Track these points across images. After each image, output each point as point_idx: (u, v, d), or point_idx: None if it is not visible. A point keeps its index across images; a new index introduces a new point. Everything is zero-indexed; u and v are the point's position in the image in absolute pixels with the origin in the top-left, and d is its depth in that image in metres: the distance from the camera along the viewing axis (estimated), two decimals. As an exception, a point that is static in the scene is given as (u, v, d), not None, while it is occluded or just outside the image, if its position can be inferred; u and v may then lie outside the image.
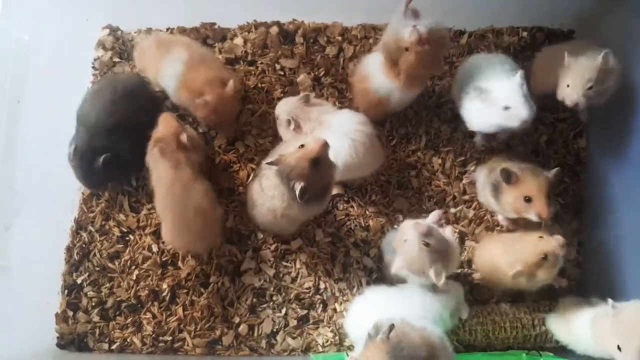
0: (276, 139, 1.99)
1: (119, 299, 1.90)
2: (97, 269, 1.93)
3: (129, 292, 1.90)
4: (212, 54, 2.05)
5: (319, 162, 1.46)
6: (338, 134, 1.68)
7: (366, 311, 1.67)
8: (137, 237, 1.94)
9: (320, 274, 1.88)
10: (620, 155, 1.79)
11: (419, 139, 2.00)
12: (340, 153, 1.68)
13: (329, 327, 1.84)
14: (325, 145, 1.46)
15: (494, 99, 1.68)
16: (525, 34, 2.10)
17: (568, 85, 1.67)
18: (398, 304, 1.63)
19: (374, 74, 1.80)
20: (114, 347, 1.87)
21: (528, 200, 1.63)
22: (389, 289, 1.70)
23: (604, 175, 1.85)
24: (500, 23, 2.10)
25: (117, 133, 1.84)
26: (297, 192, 1.45)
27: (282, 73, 2.07)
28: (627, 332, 1.40)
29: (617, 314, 1.44)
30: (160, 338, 1.86)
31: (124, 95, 1.87)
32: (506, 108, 1.65)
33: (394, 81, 1.75)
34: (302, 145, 1.46)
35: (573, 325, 1.65)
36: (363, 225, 1.94)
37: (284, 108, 1.81)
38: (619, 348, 1.41)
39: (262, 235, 1.91)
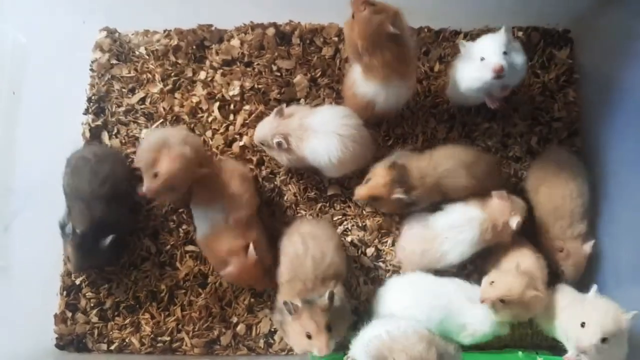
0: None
1: (117, 299, 1.91)
2: (96, 270, 1.94)
3: (128, 293, 1.91)
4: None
5: None
6: (323, 132, 1.68)
7: (406, 293, 1.72)
8: (135, 239, 1.95)
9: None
10: (615, 153, 1.80)
11: (416, 139, 2.01)
12: (331, 150, 1.69)
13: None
14: None
15: (474, 53, 1.73)
16: (520, 33, 2.10)
17: None
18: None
19: (357, 77, 1.79)
20: (112, 347, 1.88)
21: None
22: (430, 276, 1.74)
23: (599, 174, 1.86)
24: (495, 23, 2.10)
25: (115, 201, 1.80)
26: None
27: (279, 74, 2.07)
28: (593, 312, 1.51)
29: (592, 301, 1.54)
30: (159, 338, 1.87)
31: (106, 162, 1.82)
32: (482, 59, 1.68)
33: (371, 80, 1.74)
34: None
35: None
36: (360, 225, 1.94)
37: (266, 132, 1.78)
38: (582, 325, 1.49)
39: (259, 236, 1.92)
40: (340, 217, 1.95)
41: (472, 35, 2.11)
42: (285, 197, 1.97)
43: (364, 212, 1.95)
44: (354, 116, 1.78)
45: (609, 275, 1.79)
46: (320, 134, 1.70)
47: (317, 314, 1.49)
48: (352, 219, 1.95)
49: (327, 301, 1.50)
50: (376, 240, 1.93)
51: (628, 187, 1.72)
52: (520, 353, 1.74)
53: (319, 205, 1.96)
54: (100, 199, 1.76)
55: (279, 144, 1.74)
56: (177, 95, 2.08)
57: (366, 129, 1.81)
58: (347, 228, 1.94)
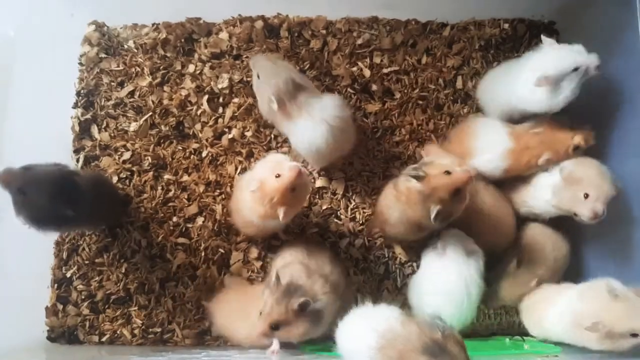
0: (259, 132, 2.03)
1: (108, 292, 1.92)
2: (86, 262, 1.95)
3: (118, 285, 1.92)
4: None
5: (459, 193, 1.51)
6: (317, 119, 1.68)
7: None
8: (125, 232, 1.95)
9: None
10: (602, 148, 1.81)
11: (403, 131, 2.03)
12: (317, 137, 1.68)
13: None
14: (471, 179, 1.50)
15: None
16: (506, 25, 2.12)
17: None
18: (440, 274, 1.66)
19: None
20: (104, 339, 1.89)
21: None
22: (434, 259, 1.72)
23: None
24: (482, 15, 2.12)
25: None
26: (432, 215, 1.50)
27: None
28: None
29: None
30: (150, 330, 1.88)
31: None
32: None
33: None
34: (448, 172, 1.50)
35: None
36: (349, 216, 1.96)
37: (273, 80, 1.69)
38: (585, 196, 1.59)
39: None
40: (328, 207, 1.97)
41: (459, 28, 2.12)
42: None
43: (352, 203, 1.96)
44: (346, 107, 1.77)
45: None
46: (313, 118, 1.68)
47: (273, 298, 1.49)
48: (341, 210, 1.97)
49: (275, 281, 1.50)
50: (365, 231, 1.95)
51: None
52: (507, 340, 1.77)
53: (308, 197, 1.97)
54: None
55: (273, 101, 1.68)
56: (166, 88, 2.09)
57: (353, 120, 1.82)
58: (337, 219, 1.96)
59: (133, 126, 2.05)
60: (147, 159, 2.01)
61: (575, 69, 1.59)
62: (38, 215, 1.56)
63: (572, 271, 1.81)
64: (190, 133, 2.04)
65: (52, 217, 1.58)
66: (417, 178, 1.51)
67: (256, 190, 1.51)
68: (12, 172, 1.52)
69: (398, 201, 1.62)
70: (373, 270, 1.90)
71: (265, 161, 1.61)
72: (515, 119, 1.83)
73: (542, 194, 1.75)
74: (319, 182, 1.97)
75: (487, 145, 1.79)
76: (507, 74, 1.81)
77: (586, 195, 1.60)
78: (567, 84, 1.62)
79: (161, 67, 2.11)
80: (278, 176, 1.49)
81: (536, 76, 1.61)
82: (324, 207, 1.97)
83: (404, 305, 1.79)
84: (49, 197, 1.52)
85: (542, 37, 1.72)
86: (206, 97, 2.06)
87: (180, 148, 2.03)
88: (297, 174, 1.48)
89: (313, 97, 1.72)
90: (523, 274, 1.75)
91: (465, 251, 1.63)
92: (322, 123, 1.67)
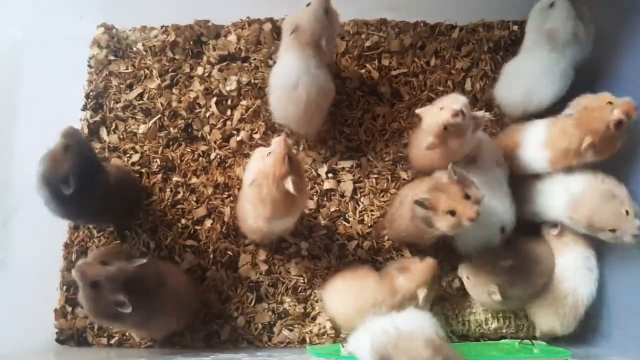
0: (267, 134, 2.03)
1: (117, 294, 1.92)
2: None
3: (127, 287, 1.92)
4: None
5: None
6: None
7: None
8: (134, 234, 1.96)
9: (315, 266, 1.91)
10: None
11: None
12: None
13: (325, 318, 1.86)
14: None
15: None
16: (515, 27, 2.11)
17: None
18: None
19: None
20: (112, 341, 1.89)
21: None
22: None
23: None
24: (491, 17, 2.11)
25: None
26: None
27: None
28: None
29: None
30: (159, 332, 1.88)
31: None
32: None
33: None
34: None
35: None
36: (357, 218, 1.96)
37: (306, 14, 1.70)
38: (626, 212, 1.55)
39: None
40: (336, 209, 1.96)
41: (468, 29, 2.12)
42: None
43: (361, 205, 1.96)
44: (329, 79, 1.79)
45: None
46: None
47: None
48: (349, 212, 1.96)
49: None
50: (373, 234, 1.94)
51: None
52: (516, 343, 1.75)
53: (316, 199, 1.97)
54: None
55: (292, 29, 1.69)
56: (174, 90, 2.09)
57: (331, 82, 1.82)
58: (345, 221, 1.95)
59: (142, 128, 2.05)
60: (156, 161, 2.01)
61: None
62: (54, 173, 1.57)
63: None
64: (199, 135, 2.04)
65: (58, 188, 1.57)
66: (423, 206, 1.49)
67: (256, 180, 1.47)
68: (74, 129, 1.64)
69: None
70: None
71: (252, 158, 1.62)
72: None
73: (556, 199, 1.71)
74: (327, 185, 1.97)
75: (528, 138, 1.76)
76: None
77: (627, 212, 1.55)
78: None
79: (170, 70, 2.11)
80: (269, 154, 1.47)
81: None
82: (332, 210, 1.96)
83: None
84: (74, 166, 1.55)
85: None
86: (214, 99, 2.06)
87: (189, 150, 2.03)
88: (284, 141, 1.46)
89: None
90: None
91: None
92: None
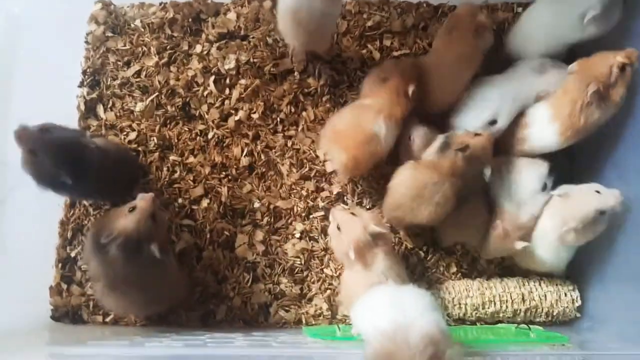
0: (266, 114, 2.00)
1: (112, 272, 1.91)
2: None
3: (123, 265, 1.91)
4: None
5: None
6: None
7: None
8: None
9: (313, 248, 1.90)
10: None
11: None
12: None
13: (321, 299, 1.85)
14: None
15: None
16: (520, 9, 2.08)
17: None
18: None
19: None
20: (107, 319, 1.88)
21: None
22: None
23: (593, 169, 1.84)
24: (495, -1, 2.08)
25: None
26: None
27: (274, 47, 2.05)
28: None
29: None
30: (154, 311, 1.88)
31: None
32: None
33: None
34: None
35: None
36: (356, 200, 1.94)
37: None
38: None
39: (255, 210, 1.93)
40: (338, 191, 1.95)
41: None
42: (281, 172, 1.96)
43: (358, 187, 1.95)
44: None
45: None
46: None
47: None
48: (347, 195, 1.95)
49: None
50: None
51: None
52: (513, 328, 1.75)
53: (314, 181, 1.96)
54: None
55: None
56: (172, 68, 2.06)
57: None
58: (343, 202, 1.94)
59: (139, 106, 2.03)
60: (153, 140, 1.99)
61: None
62: (38, 176, 1.60)
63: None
64: (197, 114, 2.02)
65: (51, 183, 1.62)
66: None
67: None
68: (27, 131, 1.53)
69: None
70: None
71: None
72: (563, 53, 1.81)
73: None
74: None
75: (531, 120, 1.75)
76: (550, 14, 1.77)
77: (597, 192, 1.61)
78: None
79: (168, 47, 2.08)
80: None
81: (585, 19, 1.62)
82: (335, 193, 1.95)
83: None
84: (54, 163, 1.55)
85: None
86: (213, 77, 2.03)
87: (186, 129, 2.01)
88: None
89: None
90: None
91: None
92: None
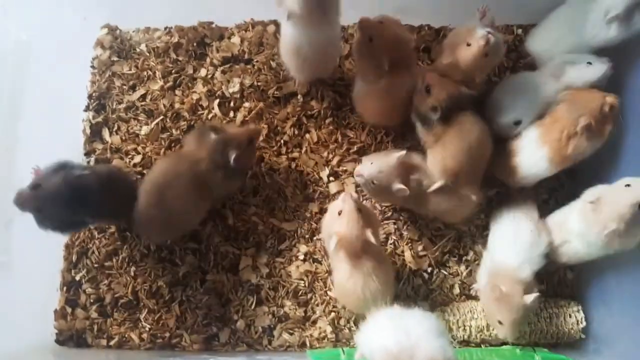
0: (270, 137, 2.02)
1: (117, 295, 1.92)
2: (96, 266, 1.95)
3: (127, 288, 1.91)
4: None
5: None
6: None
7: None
8: (134, 235, 1.95)
9: (317, 270, 1.90)
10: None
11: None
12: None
13: (326, 322, 1.85)
14: None
15: None
16: (520, 31, 2.10)
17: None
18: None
19: None
20: (112, 343, 1.89)
21: None
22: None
23: (595, 171, 1.85)
24: (496, 22, 2.09)
25: None
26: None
27: (278, 71, 2.07)
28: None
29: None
30: (158, 334, 1.88)
31: None
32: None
33: None
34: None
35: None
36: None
37: None
38: None
39: (259, 232, 1.93)
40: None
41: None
42: (285, 193, 1.97)
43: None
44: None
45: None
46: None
47: None
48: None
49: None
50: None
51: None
52: (517, 350, 1.74)
53: (318, 202, 1.96)
54: None
55: None
56: (177, 92, 2.09)
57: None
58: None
59: (144, 130, 2.05)
60: (158, 163, 2.01)
61: None
62: (61, 225, 1.66)
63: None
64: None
65: (73, 223, 1.71)
66: None
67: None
68: (23, 195, 1.57)
69: None
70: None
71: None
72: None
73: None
74: (333, 188, 1.97)
75: (523, 144, 1.78)
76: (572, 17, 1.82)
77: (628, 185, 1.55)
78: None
79: (173, 71, 2.11)
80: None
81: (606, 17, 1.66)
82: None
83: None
84: (65, 209, 1.59)
85: None
86: (217, 101, 2.05)
87: (191, 152, 2.02)
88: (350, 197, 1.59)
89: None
90: None
91: None
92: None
